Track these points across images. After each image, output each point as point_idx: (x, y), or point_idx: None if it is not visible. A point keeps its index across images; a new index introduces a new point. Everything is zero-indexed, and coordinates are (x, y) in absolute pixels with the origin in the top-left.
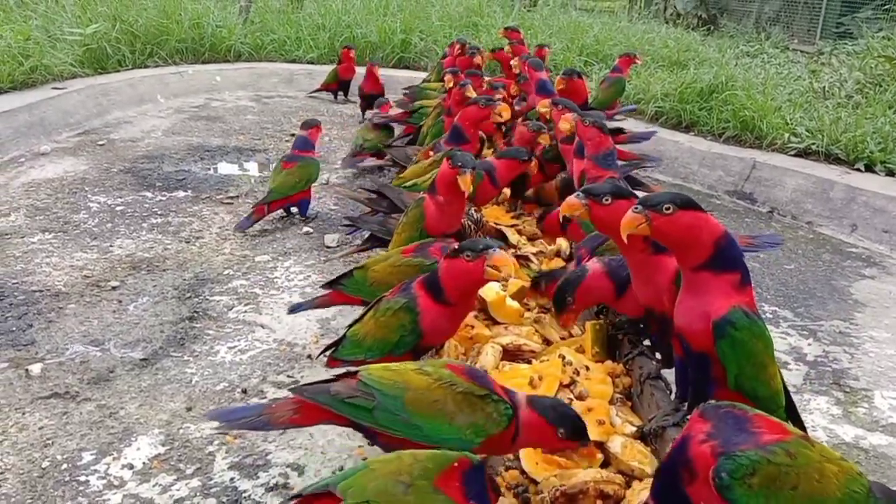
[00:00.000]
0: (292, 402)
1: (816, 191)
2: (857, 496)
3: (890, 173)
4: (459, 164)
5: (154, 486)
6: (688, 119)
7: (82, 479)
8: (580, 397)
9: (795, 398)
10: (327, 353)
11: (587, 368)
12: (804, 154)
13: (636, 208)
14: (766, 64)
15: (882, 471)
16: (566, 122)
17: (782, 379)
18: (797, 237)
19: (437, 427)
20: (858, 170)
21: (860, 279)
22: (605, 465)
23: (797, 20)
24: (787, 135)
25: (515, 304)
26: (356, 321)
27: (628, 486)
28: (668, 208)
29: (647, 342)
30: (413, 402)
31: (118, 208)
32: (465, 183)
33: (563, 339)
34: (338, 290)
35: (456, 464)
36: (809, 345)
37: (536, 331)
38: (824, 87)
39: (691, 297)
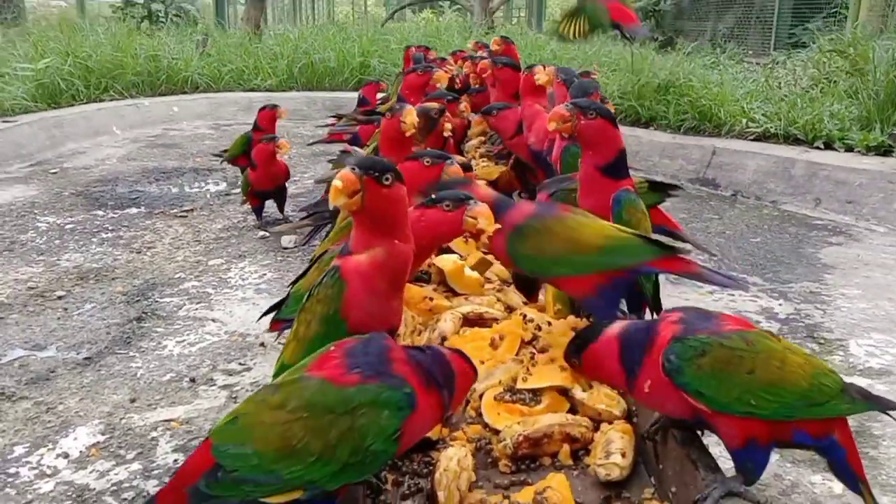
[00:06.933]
0: None
1: (778, 170)
2: (827, 389)
3: (849, 149)
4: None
5: (91, 472)
6: (646, 115)
7: (11, 471)
8: (543, 350)
9: None
10: (270, 315)
11: (549, 324)
12: (763, 138)
13: (567, 105)
14: (724, 72)
15: (862, 414)
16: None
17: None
18: (762, 216)
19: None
20: (818, 148)
21: (827, 246)
22: (572, 412)
23: (751, 34)
24: (745, 121)
25: (475, 274)
26: (299, 277)
27: (596, 429)
28: (591, 113)
29: None
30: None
31: (68, 227)
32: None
33: (525, 303)
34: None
35: (332, 347)
36: (780, 305)
37: (499, 300)
38: (779, 83)
39: (589, 195)
